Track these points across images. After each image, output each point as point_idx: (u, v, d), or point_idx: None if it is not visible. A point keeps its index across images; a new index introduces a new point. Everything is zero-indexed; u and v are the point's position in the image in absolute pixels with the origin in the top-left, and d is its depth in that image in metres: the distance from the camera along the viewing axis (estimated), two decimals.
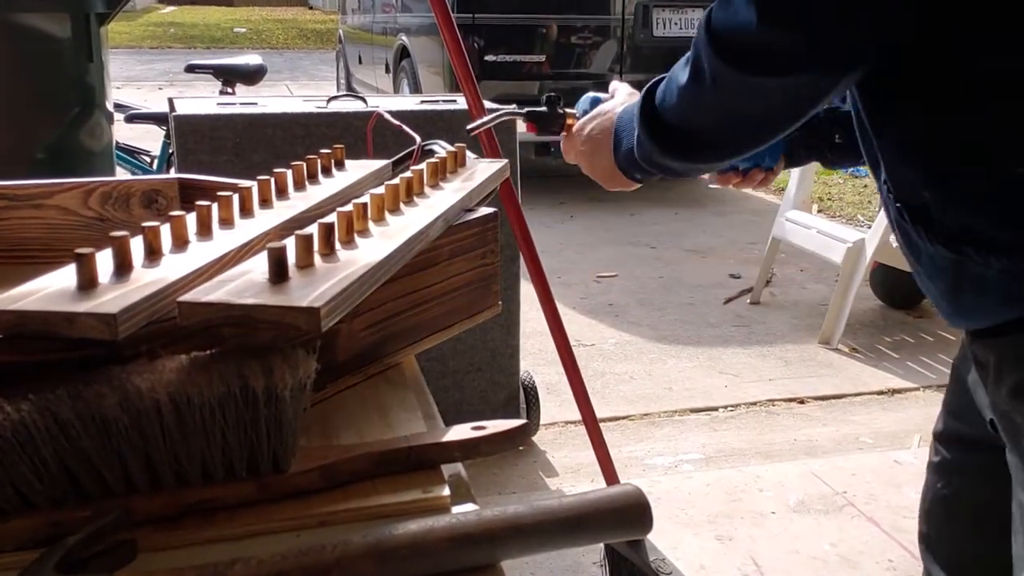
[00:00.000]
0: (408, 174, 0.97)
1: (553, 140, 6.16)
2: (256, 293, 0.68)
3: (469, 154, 1.14)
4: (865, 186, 6.65)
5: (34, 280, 0.72)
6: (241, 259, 0.80)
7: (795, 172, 4.26)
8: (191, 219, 0.85)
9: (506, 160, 1.19)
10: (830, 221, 4.51)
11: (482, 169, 1.11)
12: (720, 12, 0.85)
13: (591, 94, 1.29)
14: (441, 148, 1.18)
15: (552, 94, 1.31)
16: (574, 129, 1.23)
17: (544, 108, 1.30)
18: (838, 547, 2.45)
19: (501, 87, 5.64)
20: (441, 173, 1.05)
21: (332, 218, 0.80)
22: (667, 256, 5.15)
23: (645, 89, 1.03)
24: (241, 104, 2.73)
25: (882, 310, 4.29)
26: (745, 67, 0.85)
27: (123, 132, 3.99)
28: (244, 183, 0.96)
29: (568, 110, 1.30)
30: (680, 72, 0.94)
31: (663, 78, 1.00)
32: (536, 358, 3.38)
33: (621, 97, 1.19)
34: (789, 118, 0.93)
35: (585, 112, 1.24)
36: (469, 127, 1.43)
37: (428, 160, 1.04)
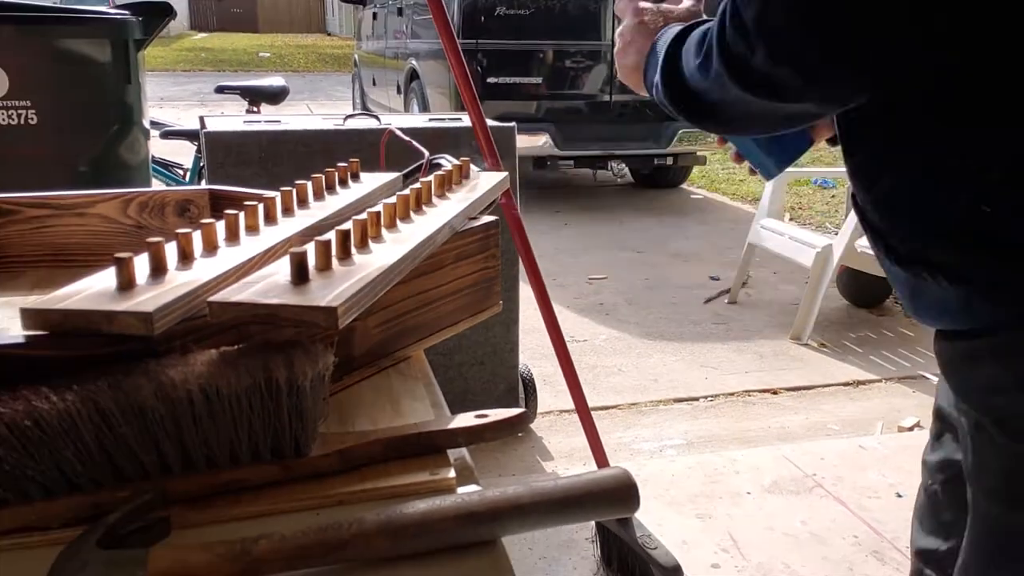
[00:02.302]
0: (417, 185, 0.97)
1: (549, 155, 6.17)
2: (280, 294, 0.68)
3: (473, 167, 1.14)
4: (833, 196, 6.65)
5: (77, 282, 0.72)
6: (266, 263, 0.80)
7: (769, 184, 4.26)
8: (220, 226, 0.85)
9: (506, 173, 1.19)
10: (801, 228, 4.50)
11: (484, 181, 1.10)
12: (732, 27, 0.78)
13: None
14: (447, 162, 1.17)
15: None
16: (637, 4, 1.04)
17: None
18: (808, 524, 2.45)
19: (502, 106, 5.64)
20: (447, 185, 1.05)
21: (348, 225, 0.80)
22: (653, 260, 5.15)
23: (675, 35, 0.93)
24: (266, 122, 2.73)
25: (848, 309, 4.28)
26: (746, 87, 0.80)
27: (158, 147, 3.98)
28: (268, 193, 0.96)
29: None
30: (694, 48, 0.87)
31: (696, 25, 0.91)
32: (533, 353, 3.37)
33: (686, 2, 1.04)
34: (783, 126, 0.90)
35: None
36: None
37: (435, 173, 1.04)
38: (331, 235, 0.78)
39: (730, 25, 0.78)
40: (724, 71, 0.81)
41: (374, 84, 8.94)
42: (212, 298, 0.68)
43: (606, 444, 2.44)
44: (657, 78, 0.93)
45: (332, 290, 0.69)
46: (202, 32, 26.02)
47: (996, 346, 0.79)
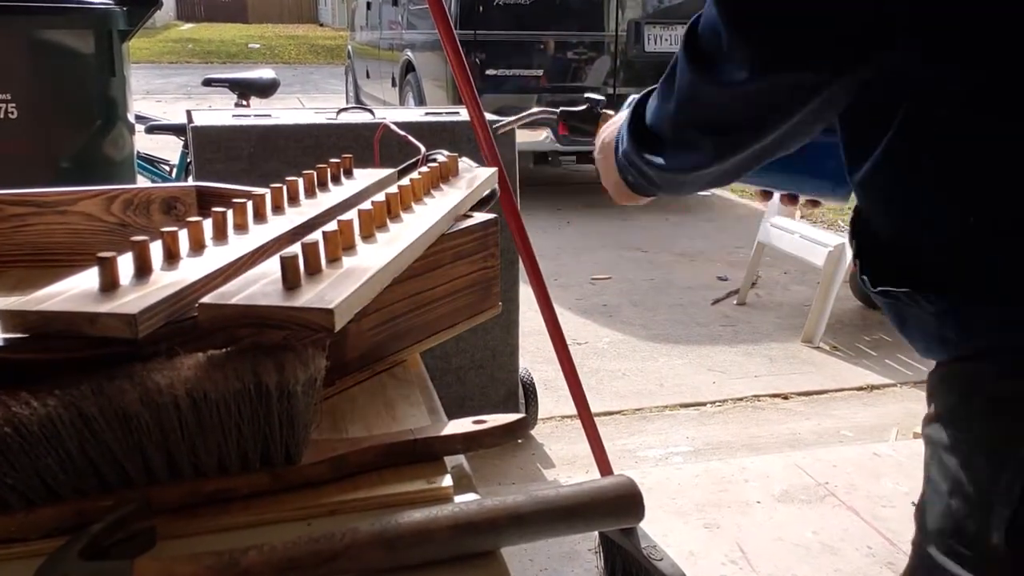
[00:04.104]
0: (406, 182, 0.97)
1: (550, 151, 6.17)
2: (272, 296, 0.68)
3: (469, 162, 1.14)
4: None
5: (59, 282, 0.72)
6: (255, 262, 0.80)
7: None
8: (208, 224, 0.85)
9: (495, 168, 1.18)
10: (812, 226, 4.50)
11: (478, 175, 1.11)
12: (702, 19, 0.77)
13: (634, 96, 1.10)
14: (444, 157, 1.18)
15: (594, 96, 1.16)
16: (598, 135, 1.07)
17: (581, 107, 1.17)
18: (820, 535, 2.45)
19: (501, 100, 5.64)
20: (437, 180, 1.05)
21: (341, 224, 0.80)
22: (658, 259, 5.15)
23: (632, 104, 0.95)
24: (255, 116, 2.73)
25: (861, 310, 4.28)
26: (702, 71, 0.76)
27: (144, 142, 3.99)
28: (258, 191, 0.96)
29: (607, 110, 1.14)
30: (656, 93, 0.87)
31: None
32: (534, 356, 3.38)
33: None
34: (751, 127, 0.79)
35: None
36: (496, 125, 1.33)
37: (420, 169, 1.04)
38: (323, 234, 0.78)
39: (703, 23, 0.76)
40: (684, 55, 0.78)
41: (368, 76, 8.94)
42: (202, 301, 0.68)
43: (610, 451, 2.44)
44: (623, 133, 0.93)
45: (326, 292, 0.69)
46: (189, 22, 26.03)
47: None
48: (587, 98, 1.14)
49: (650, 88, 0.92)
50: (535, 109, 1.29)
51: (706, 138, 0.82)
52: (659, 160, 0.89)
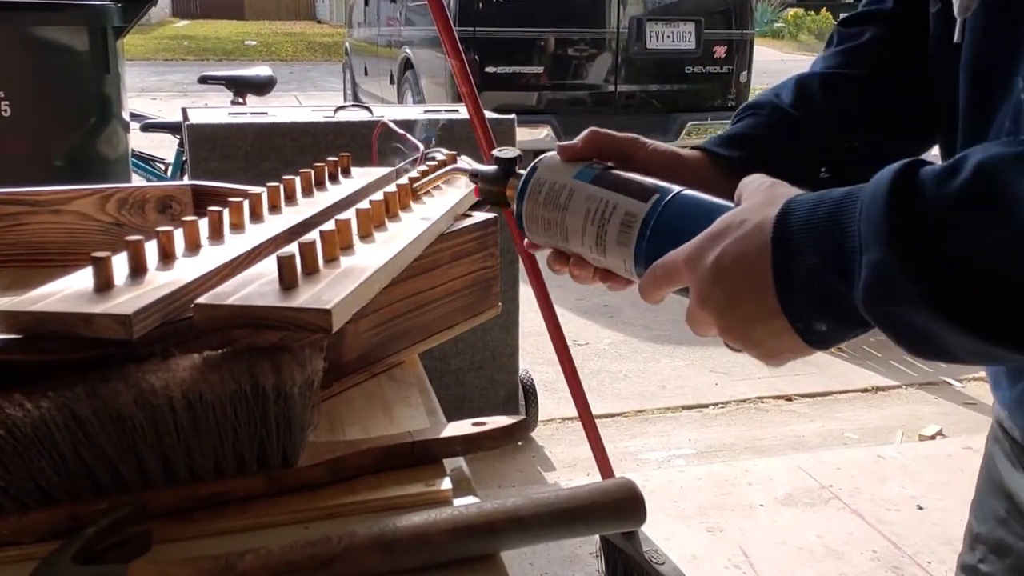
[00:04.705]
0: (404, 181, 0.97)
1: (550, 149, 6.15)
2: (269, 296, 0.68)
3: (469, 160, 1.14)
4: None
5: (53, 282, 0.72)
6: (252, 262, 0.80)
7: None
8: (204, 224, 0.85)
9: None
10: None
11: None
12: None
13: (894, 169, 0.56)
14: (443, 156, 1.18)
15: (504, 153, 0.83)
16: (678, 261, 0.64)
17: (490, 167, 0.85)
18: (824, 538, 2.45)
19: (501, 97, 5.64)
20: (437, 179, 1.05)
21: (338, 224, 0.80)
22: None
23: (898, 170, 0.52)
24: (252, 114, 2.73)
25: None
26: None
27: (139, 140, 3.99)
28: (254, 189, 0.96)
29: (522, 170, 0.81)
30: None
31: (958, 164, 0.51)
32: (534, 357, 3.38)
33: (759, 198, 0.62)
34: None
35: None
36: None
37: (419, 168, 1.04)
38: (320, 234, 0.78)
39: None
40: None
41: (366, 74, 8.94)
42: (198, 301, 0.68)
43: (611, 453, 2.44)
44: (874, 252, 0.52)
45: (324, 292, 0.69)
46: (184, 19, 26.03)
47: None
48: (496, 157, 0.84)
49: (914, 163, 0.53)
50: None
51: None
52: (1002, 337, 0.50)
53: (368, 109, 2.71)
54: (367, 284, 0.73)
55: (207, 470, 0.68)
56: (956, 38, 0.71)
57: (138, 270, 0.74)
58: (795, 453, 2.95)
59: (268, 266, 0.74)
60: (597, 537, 0.84)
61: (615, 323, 4.13)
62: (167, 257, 0.78)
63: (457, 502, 0.72)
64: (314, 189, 1.03)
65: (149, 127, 4.22)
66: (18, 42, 2.80)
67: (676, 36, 6.24)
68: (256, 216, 0.92)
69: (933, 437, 3.09)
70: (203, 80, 4.51)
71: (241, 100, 4.33)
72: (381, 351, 0.93)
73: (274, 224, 0.90)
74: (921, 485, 2.69)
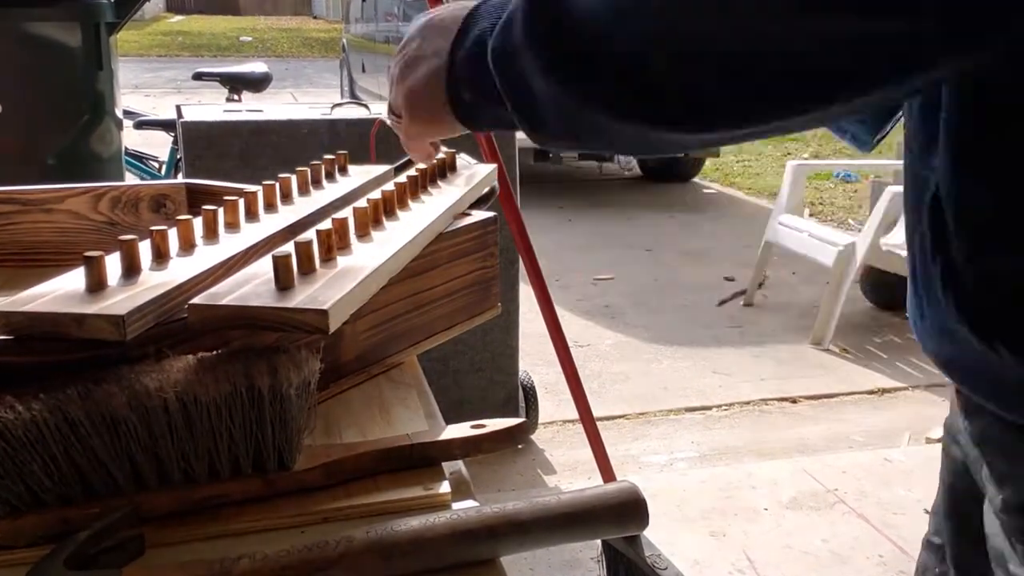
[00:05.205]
0: (403, 179, 0.97)
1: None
2: (265, 297, 0.68)
3: (468, 158, 1.14)
4: (856, 191, 6.65)
5: (45, 283, 0.72)
6: (247, 262, 0.80)
7: (787, 177, 4.26)
8: (198, 223, 0.85)
9: (494, 165, 1.18)
10: (821, 225, 4.51)
11: (476, 172, 1.11)
12: None
13: None
14: (441, 153, 1.18)
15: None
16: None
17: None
18: (829, 543, 2.45)
19: None
20: (436, 177, 1.05)
21: (335, 223, 0.80)
22: (663, 259, 5.15)
23: None
24: (247, 111, 2.73)
25: (872, 312, 4.28)
26: None
27: (132, 138, 3.99)
28: (250, 188, 0.96)
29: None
30: None
31: None
32: (535, 358, 3.38)
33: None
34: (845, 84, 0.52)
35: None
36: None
37: (419, 166, 1.04)
38: (316, 233, 0.78)
39: None
40: None
41: (364, 70, 8.94)
42: (193, 302, 0.68)
43: (613, 457, 2.44)
44: (517, 18, 0.59)
45: (320, 292, 0.69)
46: (179, 15, 26.05)
47: None
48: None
49: None
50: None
51: (749, 87, 0.52)
52: (593, 88, 0.57)
53: (366, 106, 2.71)
54: (364, 284, 0.73)
55: (202, 473, 0.68)
56: None
57: (131, 270, 0.74)
58: (800, 456, 2.96)
59: (264, 266, 0.74)
60: (598, 542, 0.84)
61: (617, 324, 4.13)
62: (161, 257, 0.78)
63: (456, 506, 0.71)
64: (311, 188, 1.03)
65: (143, 124, 4.23)
66: (9, 38, 2.80)
67: None
68: (252, 215, 0.92)
69: (940, 440, 3.09)
70: (198, 76, 4.51)
71: (236, 97, 4.33)
72: (379, 352, 0.93)
73: (270, 223, 0.90)
74: (928, 489, 2.68)
